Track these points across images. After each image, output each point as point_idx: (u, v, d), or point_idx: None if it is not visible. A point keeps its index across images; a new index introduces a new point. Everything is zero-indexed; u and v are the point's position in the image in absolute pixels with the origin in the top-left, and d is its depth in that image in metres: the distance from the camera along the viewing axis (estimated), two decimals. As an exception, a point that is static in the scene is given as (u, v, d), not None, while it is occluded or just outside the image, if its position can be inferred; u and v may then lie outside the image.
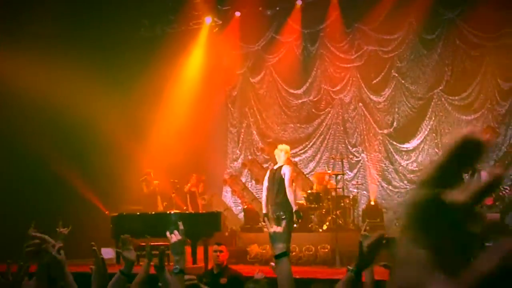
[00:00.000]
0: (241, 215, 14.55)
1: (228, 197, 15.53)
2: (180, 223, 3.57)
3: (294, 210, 9.36)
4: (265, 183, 9.69)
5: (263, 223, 11.66)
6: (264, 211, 9.69)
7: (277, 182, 9.43)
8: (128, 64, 14.06)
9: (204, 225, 10.07)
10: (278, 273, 3.46)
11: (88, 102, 12.71)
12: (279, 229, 3.46)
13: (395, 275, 0.82)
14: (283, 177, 9.38)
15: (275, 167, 9.70)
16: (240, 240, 12.54)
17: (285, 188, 9.33)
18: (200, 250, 9.91)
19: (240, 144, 15.68)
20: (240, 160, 15.65)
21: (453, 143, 0.79)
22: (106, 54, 14.01)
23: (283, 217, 8.73)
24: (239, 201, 15.32)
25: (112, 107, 13.40)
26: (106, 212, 12.47)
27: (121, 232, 9.96)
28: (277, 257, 3.45)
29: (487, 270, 0.72)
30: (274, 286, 4.27)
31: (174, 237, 3.62)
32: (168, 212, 10.94)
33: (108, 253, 9.81)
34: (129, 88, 13.94)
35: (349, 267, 3.23)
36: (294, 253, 10.55)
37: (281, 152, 9.70)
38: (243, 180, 15.49)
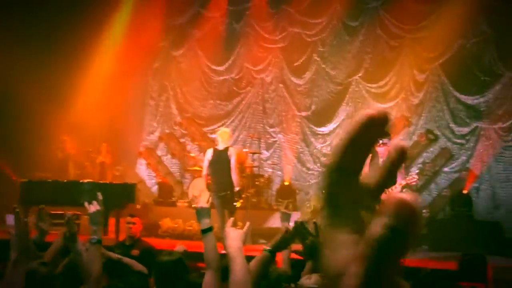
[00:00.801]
0: (155, 189, 14.44)
1: (142, 169, 15.35)
2: (99, 194, 3.51)
3: (237, 190, 9.95)
4: (206, 162, 9.98)
5: (192, 199, 11.77)
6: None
7: (223, 162, 9.82)
8: (47, 31, 13.59)
9: (117, 196, 9.93)
10: (205, 248, 3.52)
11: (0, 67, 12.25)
12: (205, 205, 3.53)
13: (323, 264, 0.82)
14: (230, 158, 9.81)
15: (220, 147, 9.98)
16: (152, 214, 12.47)
17: (230, 169, 9.78)
18: (111, 221, 9.80)
19: (157, 117, 15.49)
20: (157, 134, 15.47)
21: (354, 123, 0.80)
22: (22, 19, 13.49)
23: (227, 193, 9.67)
24: (154, 174, 15.18)
25: (27, 73, 12.90)
26: (15, 178, 12.08)
27: (30, 199, 9.78)
28: (204, 231, 3.52)
29: (377, 233, 0.72)
30: (190, 259, 4.28)
31: (93, 207, 3.56)
32: (80, 181, 10.73)
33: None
34: (47, 55, 13.47)
35: (265, 247, 3.28)
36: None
37: (226, 134, 10.18)
38: (159, 153, 15.34)
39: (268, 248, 3.28)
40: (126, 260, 5.43)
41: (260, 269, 3.30)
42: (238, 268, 2.88)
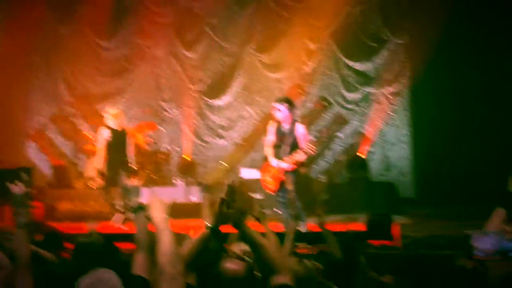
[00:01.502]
0: (48, 172, 13.89)
1: (33, 153, 14.69)
2: (24, 174, 3.33)
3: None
4: (103, 142, 9.93)
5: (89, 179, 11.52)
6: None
7: (119, 141, 9.95)
8: None
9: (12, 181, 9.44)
10: (136, 227, 3.44)
11: None
12: (136, 183, 3.48)
13: None
14: (125, 137, 10.11)
15: (114, 126, 10.04)
16: (47, 197, 12.00)
17: (125, 148, 9.99)
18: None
19: (46, 98, 14.81)
20: (46, 114, 14.81)
21: None
22: None
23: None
24: (46, 157, 14.57)
25: None
26: None
27: None
28: (135, 211, 3.45)
29: None
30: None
31: (17, 188, 3.37)
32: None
33: None
34: None
35: (207, 224, 3.24)
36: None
37: (117, 113, 10.27)
38: (50, 135, 14.71)
39: (210, 225, 3.23)
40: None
41: (200, 245, 3.26)
42: (166, 239, 2.86)
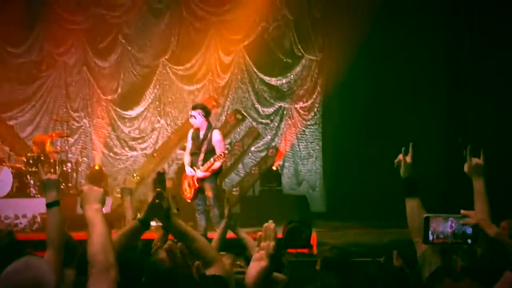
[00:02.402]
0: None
1: None
2: None
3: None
4: None
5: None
6: None
7: None
8: None
9: None
10: (49, 223, 3.34)
11: None
12: (54, 176, 3.35)
13: None
14: None
15: None
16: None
17: None
18: None
19: None
20: None
21: None
22: None
23: None
24: None
25: None
26: None
27: None
28: (49, 205, 3.34)
29: None
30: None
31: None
32: None
33: None
34: None
35: (138, 217, 3.14)
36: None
37: None
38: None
39: (140, 217, 3.11)
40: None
41: (130, 238, 3.13)
42: (98, 228, 2.62)
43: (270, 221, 2.13)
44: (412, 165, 3.41)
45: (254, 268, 1.81)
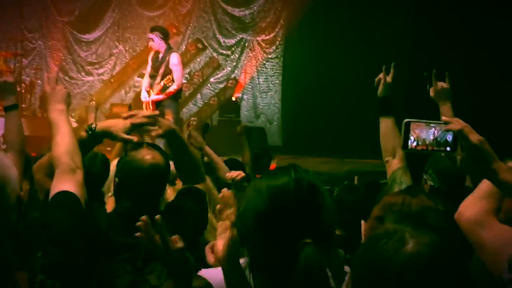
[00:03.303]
0: None
1: None
2: None
3: None
4: None
5: None
6: None
7: None
8: None
9: None
10: (8, 126, 3.29)
11: None
12: (10, 78, 3.33)
13: None
14: None
15: None
16: None
17: None
18: None
19: None
20: None
21: None
22: None
23: None
24: None
25: None
26: None
27: None
28: (7, 109, 3.29)
29: None
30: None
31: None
32: None
33: None
34: None
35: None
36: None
37: None
38: None
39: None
40: None
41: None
42: (62, 133, 2.46)
43: (225, 189, 2.08)
44: (391, 85, 3.42)
45: (222, 243, 1.78)
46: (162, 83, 8.27)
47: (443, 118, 2.02)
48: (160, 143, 4.95)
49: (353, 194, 4.13)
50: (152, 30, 8.71)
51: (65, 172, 2.32)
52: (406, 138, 2.04)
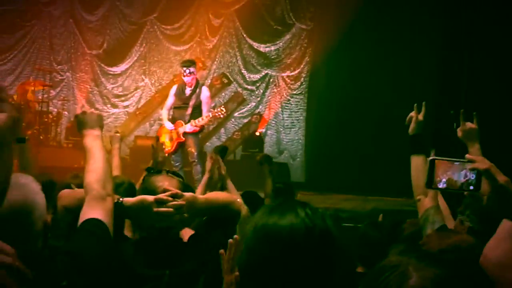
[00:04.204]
0: None
1: None
2: None
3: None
4: None
5: None
6: None
7: None
8: None
9: None
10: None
11: None
12: None
13: None
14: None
15: None
16: None
17: None
18: None
19: None
20: None
21: None
22: None
23: None
24: None
25: None
26: None
27: None
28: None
29: None
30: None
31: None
32: None
33: None
34: None
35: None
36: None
37: None
38: None
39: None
40: None
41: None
42: (96, 159, 2.44)
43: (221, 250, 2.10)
44: (423, 123, 3.38)
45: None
46: (210, 114, 8.36)
47: (467, 156, 1.99)
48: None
49: (377, 230, 4.07)
50: (191, 63, 8.81)
51: (95, 199, 2.32)
52: (431, 175, 2.01)
